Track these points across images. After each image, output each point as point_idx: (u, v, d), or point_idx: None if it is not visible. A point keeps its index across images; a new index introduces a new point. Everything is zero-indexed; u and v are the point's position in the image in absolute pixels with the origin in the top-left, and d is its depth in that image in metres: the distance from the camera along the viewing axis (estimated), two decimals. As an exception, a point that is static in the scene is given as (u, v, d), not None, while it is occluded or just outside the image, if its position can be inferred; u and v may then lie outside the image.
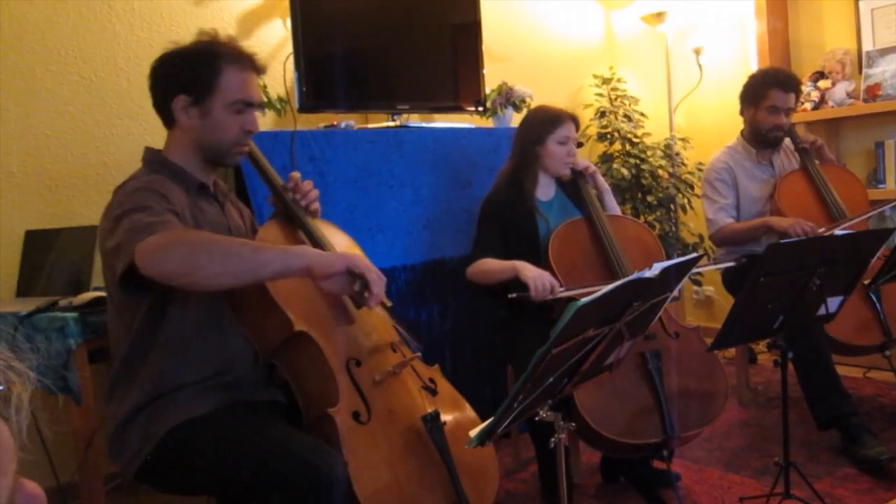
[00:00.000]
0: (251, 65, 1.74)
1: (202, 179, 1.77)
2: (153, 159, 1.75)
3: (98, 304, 2.03)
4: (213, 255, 1.43)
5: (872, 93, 3.61)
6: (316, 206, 1.91)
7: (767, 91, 3.04)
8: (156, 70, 1.73)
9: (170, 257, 1.42)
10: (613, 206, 2.68)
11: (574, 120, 2.60)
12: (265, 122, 2.92)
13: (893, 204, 2.89)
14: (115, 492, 2.48)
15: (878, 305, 2.71)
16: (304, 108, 2.81)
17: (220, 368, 1.70)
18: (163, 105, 1.72)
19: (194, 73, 1.68)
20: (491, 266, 2.44)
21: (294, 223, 1.89)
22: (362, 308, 1.77)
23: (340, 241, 1.98)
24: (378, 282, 1.58)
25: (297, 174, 1.90)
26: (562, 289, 2.28)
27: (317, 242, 1.84)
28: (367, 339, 1.85)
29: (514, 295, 2.26)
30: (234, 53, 1.72)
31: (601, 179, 2.67)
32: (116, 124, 2.79)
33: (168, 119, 1.74)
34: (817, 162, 3.09)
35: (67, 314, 2.03)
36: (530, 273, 2.29)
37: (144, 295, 1.59)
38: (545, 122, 2.56)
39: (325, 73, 2.89)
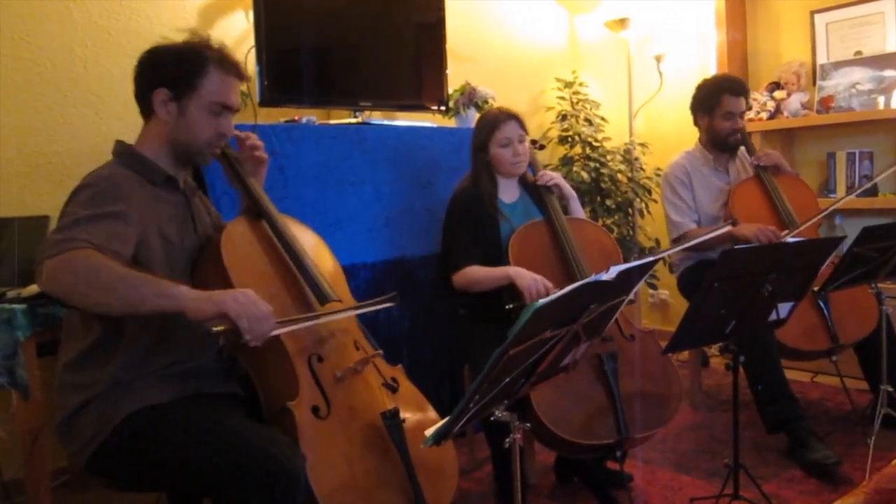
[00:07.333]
0: (236, 71, 1.79)
1: (171, 173, 1.78)
2: (123, 151, 1.77)
3: (47, 295, 1.98)
4: (93, 286, 1.47)
5: (826, 104, 3.71)
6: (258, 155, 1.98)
7: (720, 98, 3.11)
8: (142, 61, 1.77)
9: (59, 282, 1.49)
10: (580, 214, 2.67)
11: (514, 118, 2.52)
12: (225, 115, 2.88)
13: (836, 206, 2.98)
14: (62, 488, 2.41)
15: (826, 311, 2.77)
16: (265, 102, 2.78)
17: (181, 357, 1.69)
18: (143, 96, 1.76)
19: (179, 70, 1.73)
20: (481, 275, 2.41)
21: (262, 220, 1.89)
22: (326, 303, 1.77)
23: (307, 239, 1.99)
24: (253, 326, 1.51)
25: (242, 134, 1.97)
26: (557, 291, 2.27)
27: (284, 239, 1.85)
28: (331, 335, 1.85)
29: (510, 306, 2.27)
30: (221, 58, 1.77)
31: (567, 188, 2.63)
32: (72, 113, 2.73)
33: (146, 110, 1.78)
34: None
35: (15, 306, 1.98)
36: (525, 281, 2.27)
37: None
38: (485, 127, 2.54)
39: (288, 68, 2.86)
